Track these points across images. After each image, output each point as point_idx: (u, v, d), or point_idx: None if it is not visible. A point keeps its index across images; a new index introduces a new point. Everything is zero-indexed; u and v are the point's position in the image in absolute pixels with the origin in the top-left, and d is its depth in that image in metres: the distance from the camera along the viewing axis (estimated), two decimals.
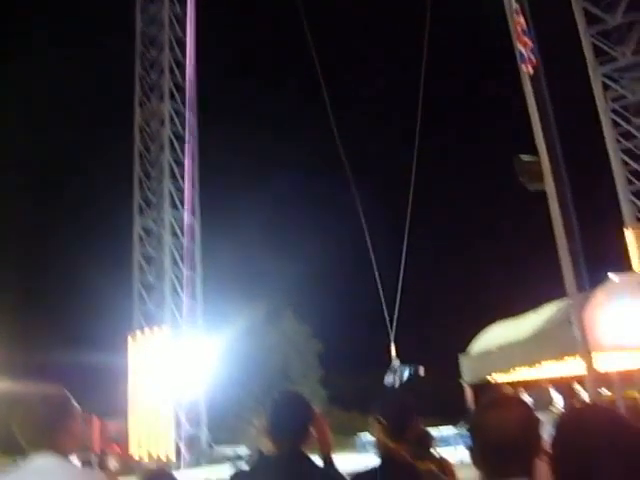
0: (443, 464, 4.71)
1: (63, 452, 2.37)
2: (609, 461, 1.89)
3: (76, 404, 2.53)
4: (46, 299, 41.33)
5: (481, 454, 1.83)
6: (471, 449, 1.86)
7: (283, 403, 3.05)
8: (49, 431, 2.37)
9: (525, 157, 8.04)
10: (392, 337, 11.87)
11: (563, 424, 2.19)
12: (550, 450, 2.17)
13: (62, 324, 39.25)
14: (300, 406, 2.99)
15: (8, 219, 39.15)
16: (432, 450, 4.83)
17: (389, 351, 11.50)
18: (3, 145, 40.18)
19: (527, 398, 15.27)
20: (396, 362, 10.99)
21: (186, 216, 35.26)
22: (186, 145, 35.96)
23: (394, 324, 12.15)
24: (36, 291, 41.95)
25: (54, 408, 2.44)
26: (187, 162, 35.81)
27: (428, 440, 4.58)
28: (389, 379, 10.67)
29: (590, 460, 1.90)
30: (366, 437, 28.84)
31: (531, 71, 7.99)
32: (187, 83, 37.07)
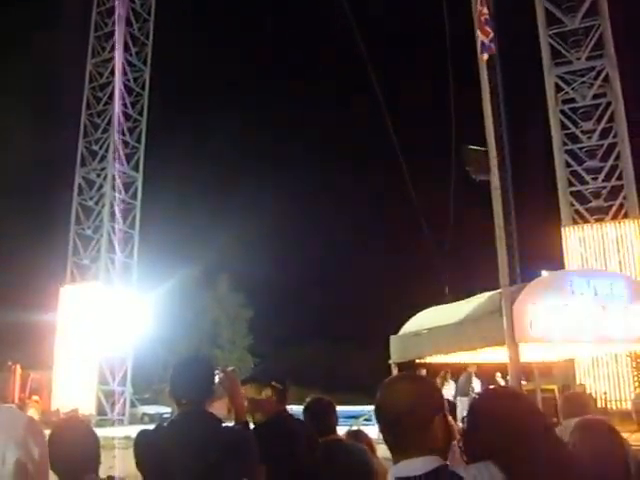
0: (359, 436, 4.76)
1: None
2: (511, 438, 2.00)
3: None
4: None
5: (381, 431, 1.89)
6: (377, 420, 1.92)
7: (184, 364, 3.10)
8: None
9: (473, 147, 8.15)
10: None
11: (475, 403, 2.29)
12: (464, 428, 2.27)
13: None
14: (200, 366, 3.03)
15: None
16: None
17: None
18: None
19: (451, 382, 15.73)
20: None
21: (121, 169, 34.66)
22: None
23: None
24: None
25: None
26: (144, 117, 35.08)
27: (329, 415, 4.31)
28: None
29: (494, 436, 2.01)
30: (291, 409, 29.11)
31: (485, 58, 8.11)
32: (145, 36, 36.33)
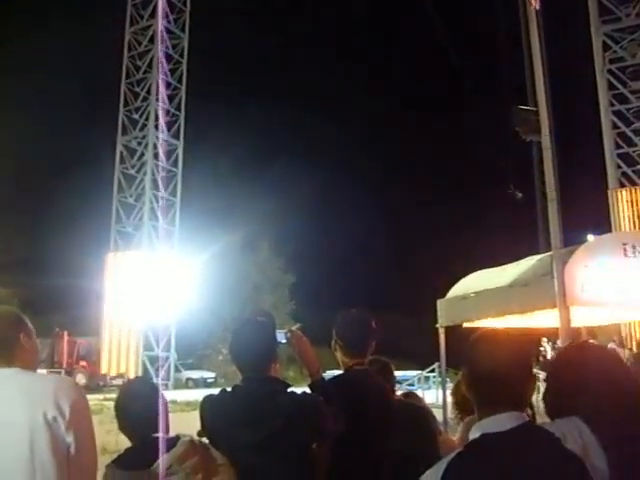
0: (411, 398, 4.73)
1: (21, 367, 2.41)
2: (597, 393, 1.97)
3: (29, 322, 2.56)
4: (25, 215, 40.91)
5: (470, 385, 1.84)
6: (464, 376, 1.87)
7: (244, 328, 3.00)
8: (2, 346, 2.41)
9: (522, 107, 7.97)
10: None
11: (560, 358, 2.24)
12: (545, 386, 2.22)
13: (40, 242, 39.06)
14: (262, 330, 2.92)
15: None
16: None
17: None
18: None
19: None
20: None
21: (162, 137, 34.80)
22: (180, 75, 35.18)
23: None
24: (15, 206, 41.49)
25: (6, 323, 2.47)
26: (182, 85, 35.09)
27: (388, 373, 4.44)
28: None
29: (579, 391, 1.98)
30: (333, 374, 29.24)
31: (537, 6, 7.86)
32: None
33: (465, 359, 1.86)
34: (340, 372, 3.38)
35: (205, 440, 2.63)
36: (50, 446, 2.22)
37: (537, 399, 3.97)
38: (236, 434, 2.62)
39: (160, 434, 2.36)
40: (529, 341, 2.09)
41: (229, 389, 2.85)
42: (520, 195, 12.18)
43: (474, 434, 1.73)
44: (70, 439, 2.26)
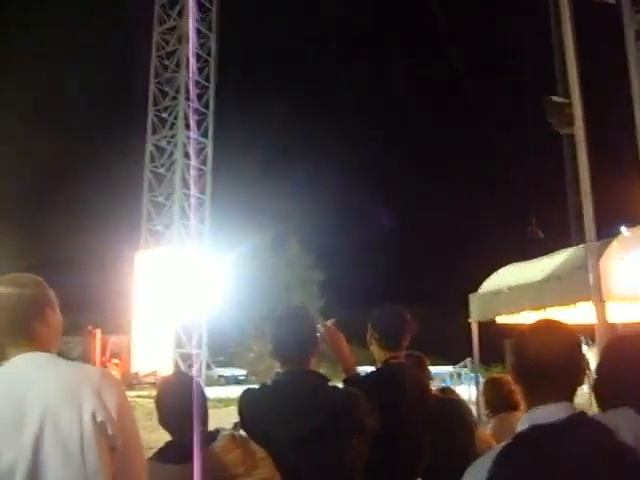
0: (448, 392, 4.71)
1: (42, 345, 2.12)
2: None
3: (53, 294, 2.23)
4: (56, 214, 41.41)
5: (523, 373, 1.82)
6: (513, 366, 1.85)
7: (286, 319, 2.94)
8: (24, 318, 2.10)
9: (556, 98, 7.87)
10: None
11: (609, 349, 2.21)
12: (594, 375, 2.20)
13: (71, 241, 39.52)
14: (304, 321, 2.88)
15: (20, 138, 38.97)
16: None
17: None
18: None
19: None
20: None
21: (191, 136, 35.00)
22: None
23: None
24: (47, 204, 42.00)
25: (29, 294, 2.15)
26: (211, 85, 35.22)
27: (422, 367, 4.46)
28: None
29: (631, 381, 1.95)
30: (364, 371, 29.21)
31: None
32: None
33: (516, 348, 1.84)
34: (374, 368, 3.37)
35: (243, 434, 2.62)
36: (100, 453, 1.95)
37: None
38: (279, 428, 2.59)
39: (196, 427, 2.34)
40: (576, 333, 2.05)
41: (270, 383, 2.82)
42: (542, 235, 11.84)
43: (523, 425, 1.71)
44: (119, 443, 2.01)
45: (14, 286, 2.15)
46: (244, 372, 37.19)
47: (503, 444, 1.68)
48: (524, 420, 1.73)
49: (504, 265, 10.18)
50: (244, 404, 2.81)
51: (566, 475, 1.58)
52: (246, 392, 2.86)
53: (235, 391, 22.83)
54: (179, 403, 2.43)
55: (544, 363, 1.74)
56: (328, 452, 2.62)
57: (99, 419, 1.96)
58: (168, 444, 2.46)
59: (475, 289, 9.96)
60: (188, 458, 2.25)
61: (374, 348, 3.33)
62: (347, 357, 3.06)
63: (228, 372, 36.96)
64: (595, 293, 7.38)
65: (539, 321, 1.94)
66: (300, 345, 2.79)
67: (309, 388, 2.72)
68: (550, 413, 1.68)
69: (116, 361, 32.58)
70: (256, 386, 2.87)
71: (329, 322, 3.10)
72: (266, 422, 2.64)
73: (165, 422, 2.52)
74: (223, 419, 2.69)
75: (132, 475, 2.07)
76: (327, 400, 2.68)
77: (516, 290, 8.95)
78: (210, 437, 2.39)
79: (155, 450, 2.47)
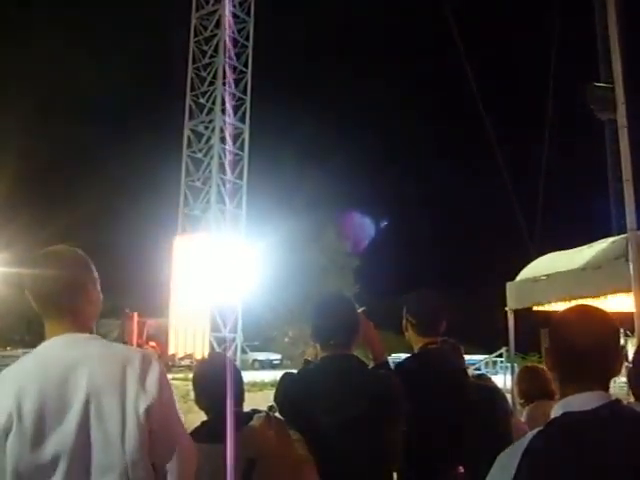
0: (483, 379, 4.67)
1: (84, 323, 2.10)
2: None
3: (94, 270, 2.19)
4: (96, 199, 41.97)
5: (559, 359, 1.79)
6: (547, 352, 1.82)
7: (328, 303, 2.94)
8: (68, 294, 2.07)
9: (598, 84, 7.72)
10: None
11: None
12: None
13: (110, 225, 40.05)
14: (346, 306, 2.88)
15: (60, 124, 39.47)
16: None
17: None
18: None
19: None
20: None
21: (228, 121, 35.09)
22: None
23: None
24: (87, 189, 42.55)
25: (73, 268, 2.12)
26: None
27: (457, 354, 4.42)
28: None
29: None
30: (399, 358, 29.16)
31: None
32: None
33: (552, 334, 1.81)
34: (409, 355, 3.34)
35: (278, 416, 2.62)
36: (140, 440, 1.92)
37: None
38: (323, 412, 2.59)
39: (229, 407, 2.34)
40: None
41: (312, 366, 2.81)
42: None
43: (556, 412, 1.69)
44: (160, 428, 1.98)
45: (58, 261, 2.12)
46: (279, 356, 37.41)
47: (535, 431, 1.66)
48: (557, 408, 1.71)
49: (543, 254, 10.04)
50: (284, 387, 2.80)
51: (599, 462, 1.57)
52: (286, 375, 2.86)
53: (270, 375, 23.00)
54: (215, 383, 2.44)
55: (579, 350, 1.72)
56: (370, 436, 2.62)
57: (141, 406, 1.93)
58: (203, 424, 2.48)
59: (512, 277, 9.85)
60: (223, 438, 2.26)
61: (410, 334, 3.30)
62: (377, 345, 3.05)
63: (263, 356, 37.18)
64: (636, 283, 7.24)
65: (576, 306, 1.91)
66: (345, 330, 2.78)
67: (354, 373, 2.71)
68: (584, 401, 1.66)
69: (153, 344, 32.99)
70: (294, 370, 2.85)
71: (360, 310, 3.08)
72: (309, 406, 2.62)
73: (201, 402, 2.54)
74: (257, 403, 2.69)
75: (174, 459, 2.03)
76: (372, 385, 2.68)
77: (554, 279, 8.83)
78: (246, 418, 2.41)
79: (190, 430, 2.49)
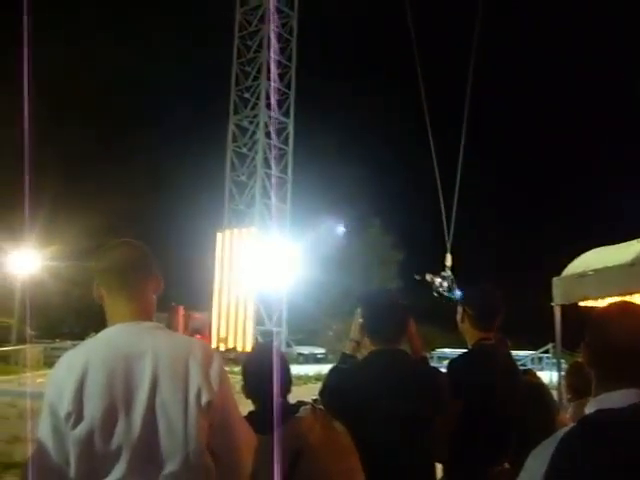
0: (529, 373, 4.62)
1: (149, 311, 2.11)
2: None
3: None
4: (144, 194, 42.55)
5: (597, 356, 1.77)
6: (584, 348, 1.80)
7: (377, 298, 2.95)
8: (139, 282, 2.10)
9: None
10: (448, 246, 11.87)
11: None
12: None
13: (157, 219, 40.56)
14: (395, 301, 2.88)
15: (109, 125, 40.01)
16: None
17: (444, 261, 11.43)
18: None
19: None
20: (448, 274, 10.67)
21: (272, 116, 35.20)
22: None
23: (450, 233, 12.20)
24: (132, 185, 43.16)
25: (144, 258, 2.14)
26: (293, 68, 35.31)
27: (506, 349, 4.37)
28: (437, 280, 10.28)
29: None
30: (444, 353, 29.01)
31: None
32: None
33: (590, 330, 1.79)
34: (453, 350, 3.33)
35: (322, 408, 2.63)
36: (202, 431, 1.93)
37: None
38: (374, 406, 2.59)
39: (275, 398, 2.35)
40: None
41: (362, 360, 2.80)
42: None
43: (589, 409, 1.68)
44: (220, 419, 1.99)
45: (126, 250, 2.15)
46: (323, 350, 37.49)
47: (567, 427, 1.65)
48: (591, 405, 1.69)
49: (590, 248, 9.87)
50: (333, 380, 2.80)
51: (629, 461, 1.55)
52: (336, 368, 2.86)
53: (314, 369, 23.05)
54: (261, 372, 2.45)
55: (616, 347, 1.69)
56: (417, 432, 2.64)
57: (204, 398, 1.94)
58: (250, 414, 2.49)
59: (558, 273, 9.71)
60: (269, 428, 2.28)
61: (466, 327, 3.24)
62: (416, 340, 3.04)
63: (307, 350, 37.32)
64: None
65: (617, 302, 1.88)
66: (396, 324, 2.80)
67: (403, 368, 2.71)
68: (618, 398, 1.64)
69: (198, 336, 33.36)
70: (343, 365, 2.84)
71: None
72: (357, 399, 2.62)
73: (248, 391, 2.56)
74: (302, 396, 2.70)
75: (233, 450, 2.05)
76: (420, 381, 2.69)
77: (602, 274, 8.66)
78: (292, 409, 2.43)
79: None
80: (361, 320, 2.91)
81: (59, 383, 1.92)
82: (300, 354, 36.65)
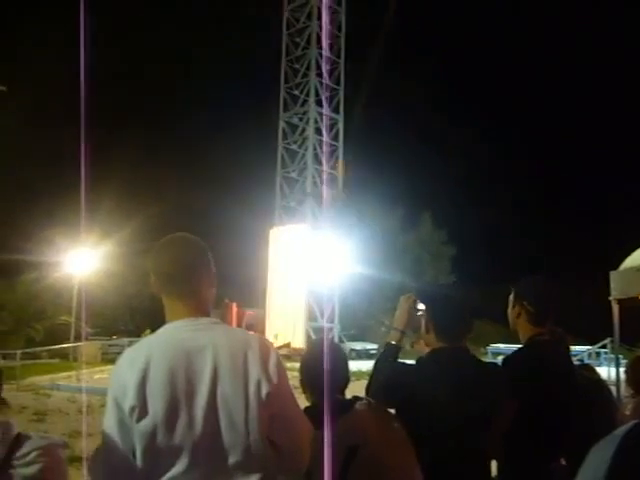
0: (588, 370, 4.54)
1: (205, 307, 2.13)
2: None
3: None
4: (196, 190, 43.10)
5: None
6: None
7: (446, 297, 2.90)
8: (198, 277, 2.11)
9: None
10: None
11: None
12: None
13: (209, 216, 41.01)
14: (462, 299, 2.84)
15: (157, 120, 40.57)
16: None
17: None
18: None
19: None
20: None
21: (322, 112, 35.21)
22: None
23: None
24: (183, 182, 43.77)
25: (203, 254, 2.16)
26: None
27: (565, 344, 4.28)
28: None
29: None
30: (498, 348, 28.64)
31: None
32: None
33: None
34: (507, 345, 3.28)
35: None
36: (263, 424, 1.96)
37: None
38: (430, 402, 2.57)
39: (326, 394, 2.35)
40: None
41: (426, 357, 2.76)
42: None
43: None
44: (280, 411, 2.02)
45: (183, 245, 2.17)
46: (375, 346, 37.37)
47: (629, 424, 1.62)
48: None
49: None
50: (390, 376, 2.76)
51: None
52: (388, 363, 2.82)
53: (367, 365, 22.93)
54: (317, 368, 2.46)
55: None
56: (476, 431, 2.63)
57: (263, 390, 1.96)
58: (306, 409, 2.50)
59: (615, 266, 9.50)
60: (322, 424, 2.28)
61: (521, 322, 3.14)
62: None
63: (359, 346, 37.23)
64: None
65: None
66: (466, 324, 2.78)
67: (471, 367, 2.70)
68: None
69: (252, 333, 33.54)
70: (407, 361, 2.81)
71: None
72: (425, 396, 2.60)
73: (305, 386, 2.57)
74: (355, 392, 2.69)
75: (293, 439, 2.08)
76: (487, 380, 2.68)
77: None
78: (348, 404, 2.43)
79: None
80: (420, 313, 2.87)
81: (122, 378, 1.96)
82: (352, 350, 36.63)
